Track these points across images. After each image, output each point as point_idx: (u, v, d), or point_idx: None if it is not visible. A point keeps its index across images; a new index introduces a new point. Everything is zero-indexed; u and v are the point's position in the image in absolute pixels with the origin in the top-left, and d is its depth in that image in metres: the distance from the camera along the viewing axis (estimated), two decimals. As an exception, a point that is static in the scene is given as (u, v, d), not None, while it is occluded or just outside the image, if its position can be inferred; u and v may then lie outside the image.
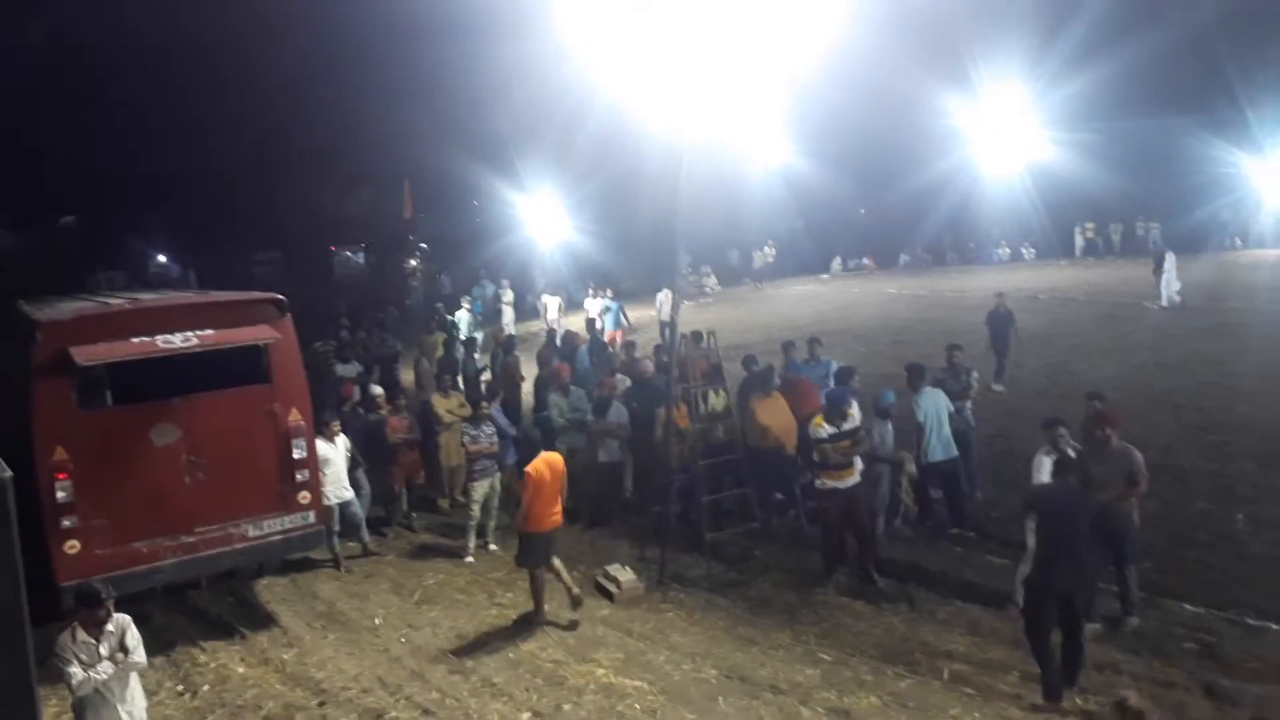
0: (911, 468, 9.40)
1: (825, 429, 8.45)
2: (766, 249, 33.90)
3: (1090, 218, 33.35)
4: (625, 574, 8.85)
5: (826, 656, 7.21)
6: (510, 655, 7.46)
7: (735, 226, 32.56)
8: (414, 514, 11.14)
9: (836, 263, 34.99)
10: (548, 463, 8.12)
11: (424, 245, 36.89)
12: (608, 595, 8.69)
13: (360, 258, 40.31)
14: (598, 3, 9.00)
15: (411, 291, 31.69)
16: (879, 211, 34.07)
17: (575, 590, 8.14)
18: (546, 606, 8.18)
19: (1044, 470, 7.13)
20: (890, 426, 9.31)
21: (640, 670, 7.06)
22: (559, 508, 8.19)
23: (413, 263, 35.68)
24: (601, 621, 8.13)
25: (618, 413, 10.77)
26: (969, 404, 10.27)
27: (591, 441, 10.77)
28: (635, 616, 8.22)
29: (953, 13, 24.02)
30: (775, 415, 9.99)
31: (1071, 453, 7.03)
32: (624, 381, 11.77)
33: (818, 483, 8.60)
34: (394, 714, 6.55)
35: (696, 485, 9.58)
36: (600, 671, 7.05)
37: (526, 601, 8.43)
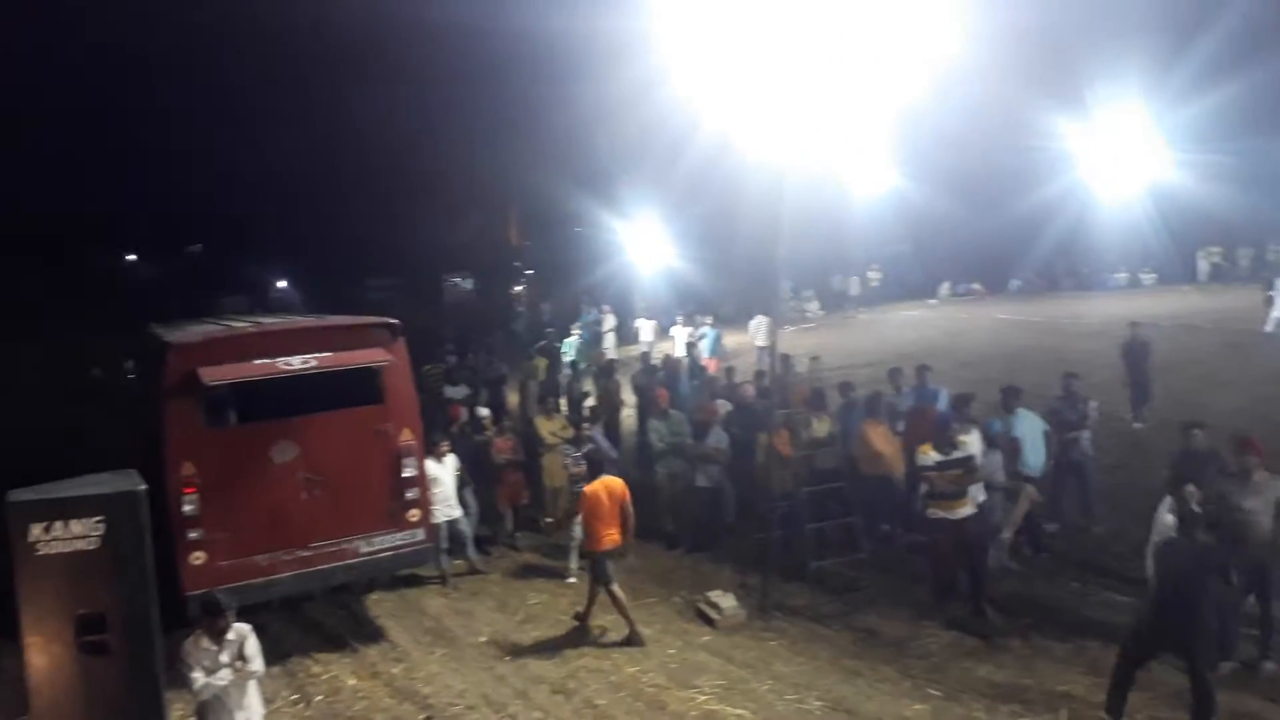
0: (1033, 497, 9.07)
1: (932, 456, 8.23)
2: (871, 273, 33.32)
3: (1217, 241, 31.65)
4: (727, 600, 8.76)
5: (935, 692, 6.97)
6: (612, 678, 7.46)
7: (838, 251, 32.15)
8: (518, 534, 11.30)
9: (945, 287, 34.12)
10: (606, 486, 8.33)
11: (529, 271, 37.63)
12: (709, 621, 8.62)
13: (468, 284, 41.34)
14: (700, 29, 9.06)
15: (517, 317, 32.33)
16: (989, 235, 33.14)
17: (632, 632, 8.16)
18: (646, 631, 8.17)
19: (1166, 528, 6.61)
20: (1000, 456, 9.01)
21: (742, 698, 6.96)
22: (615, 530, 8.29)
23: (518, 288, 36.43)
24: (703, 648, 8.06)
25: (718, 438, 10.74)
26: (1087, 434, 9.86)
27: (692, 466, 10.75)
28: (737, 644, 8.13)
29: (1068, 30, 23.33)
30: (887, 442, 9.82)
31: (1196, 508, 6.58)
32: (725, 406, 11.72)
33: (928, 513, 8.38)
34: (497, 731, 6.63)
35: (800, 512, 9.45)
36: (702, 698, 6.98)
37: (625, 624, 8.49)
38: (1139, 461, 11.20)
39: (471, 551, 10.35)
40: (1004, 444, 9.12)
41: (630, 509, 8.37)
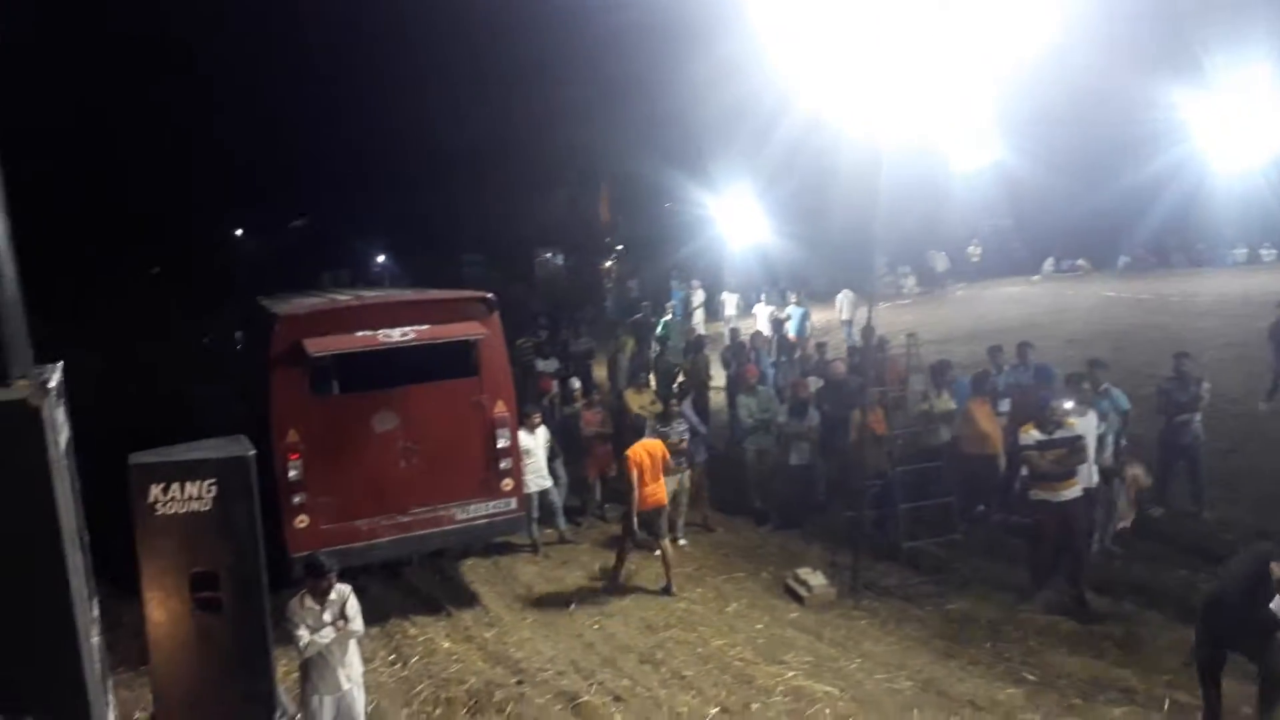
0: (1142, 482, 8.76)
1: (1034, 436, 7.99)
2: (971, 249, 32.35)
3: (1353, 213, 29.70)
4: (816, 578, 8.71)
5: (1031, 677, 6.82)
6: (699, 650, 7.50)
7: (936, 226, 31.28)
8: (607, 505, 11.42)
9: (1048, 263, 32.88)
10: (646, 448, 8.88)
11: (620, 247, 37.72)
12: (798, 599, 8.58)
13: (560, 259, 41.66)
14: (795, 2, 8.89)
15: (607, 292, 32.47)
16: (1096, 210, 31.74)
17: (668, 581, 8.84)
18: (734, 606, 8.23)
19: None
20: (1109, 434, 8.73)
21: (831, 676, 6.93)
22: (657, 489, 8.84)
23: (608, 264, 36.56)
24: (791, 624, 8.04)
25: (809, 415, 10.63)
26: (1198, 416, 9.43)
27: (782, 443, 10.68)
28: (826, 622, 8.07)
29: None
30: (992, 421, 9.61)
31: None
32: (816, 383, 11.60)
33: (1030, 494, 8.15)
34: (587, 698, 6.73)
35: (894, 491, 9.31)
36: (789, 674, 6.97)
37: (714, 599, 8.51)
38: (1257, 445, 10.66)
39: (561, 521, 10.52)
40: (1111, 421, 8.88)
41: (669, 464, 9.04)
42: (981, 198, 30.75)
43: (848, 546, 9.05)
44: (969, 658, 7.23)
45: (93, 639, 3.52)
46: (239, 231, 40.93)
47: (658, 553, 8.98)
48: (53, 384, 3.50)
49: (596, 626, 8.13)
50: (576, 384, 12.41)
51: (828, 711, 6.41)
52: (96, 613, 3.61)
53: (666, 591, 8.76)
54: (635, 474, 8.70)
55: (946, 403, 10.19)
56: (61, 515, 3.47)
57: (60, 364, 3.57)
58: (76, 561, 3.51)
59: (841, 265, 25.68)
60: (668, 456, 9.03)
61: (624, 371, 15.91)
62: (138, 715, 6.23)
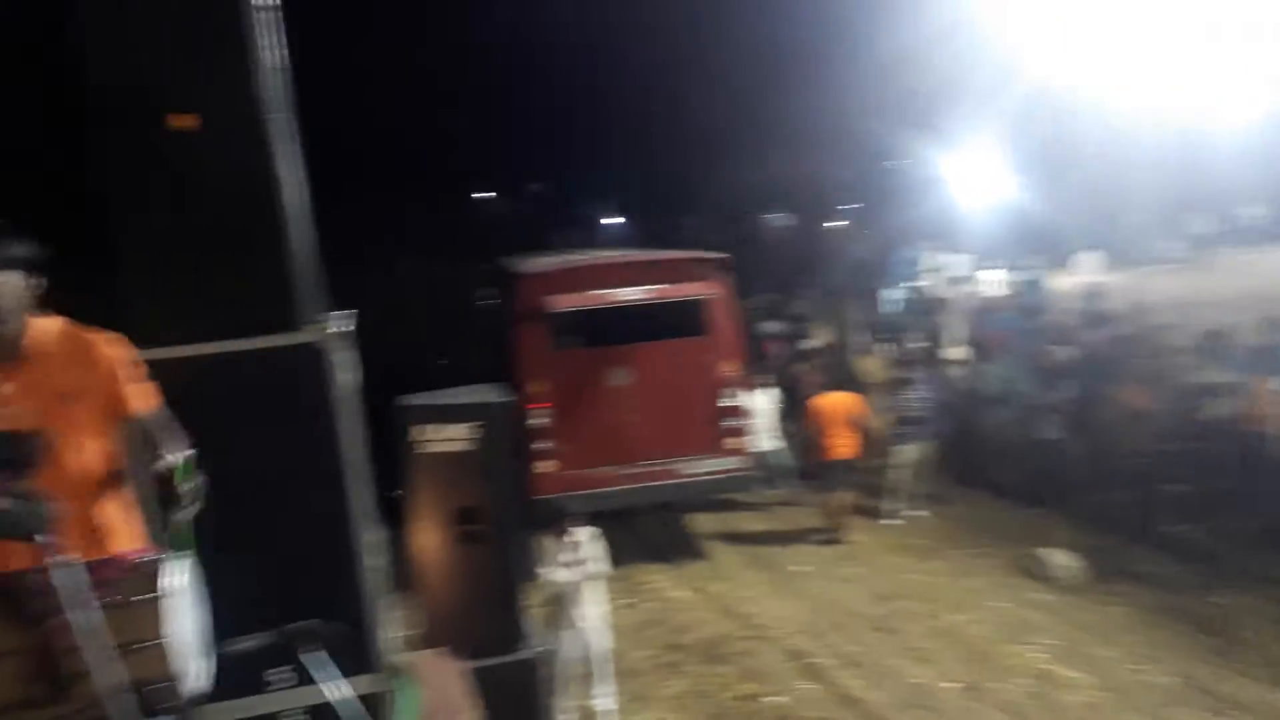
0: None
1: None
2: (1245, 210, 29.01)
3: None
4: (1063, 558, 8.18)
5: (1315, 684, 6.11)
6: (935, 623, 7.27)
7: (1204, 185, 28.22)
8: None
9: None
10: (834, 400, 9.24)
11: (850, 207, 36.79)
12: (1042, 579, 8.11)
13: (787, 221, 41.18)
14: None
15: (835, 254, 31.78)
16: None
17: (835, 529, 9.14)
18: (975, 583, 7.88)
19: None
20: None
21: (1081, 662, 6.51)
22: (841, 441, 9.05)
23: (837, 225, 35.79)
24: (1035, 605, 7.60)
25: (1059, 386, 9.96)
26: None
27: (1026, 415, 10.07)
28: (1074, 605, 7.58)
29: None
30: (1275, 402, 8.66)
31: None
32: (1066, 352, 10.82)
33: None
34: (818, 660, 6.71)
35: (1156, 471, 8.58)
36: (1032, 655, 6.63)
37: (950, 572, 8.22)
38: None
39: (789, 483, 10.47)
40: None
41: (870, 424, 9.27)
42: (1258, 155, 27.35)
43: (1102, 528, 8.44)
44: (1236, 655, 6.58)
45: (373, 562, 3.85)
46: (483, 195, 43.28)
47: (886, 521, 8.81)
48: (341, 330, 3.81)
49: (825, 590, 8.07)
50: (806, 345, 12.29)
51: (1075, 699, 6.04)
52: (375, 538, 3.95)
53: (835, 541, 9.02)
54: (817, 423, 9.03)
55: (1219, 376, 9.22)
56: (345, 449, 3.79)
57: (353, 312, 3.89)
58: (359, 491, 3.83)
59: (1089, 226, 23.79)
60: (862, 412, 9.20)
61: (851, 335, 15.56)
62: (408, 634, 6.83)
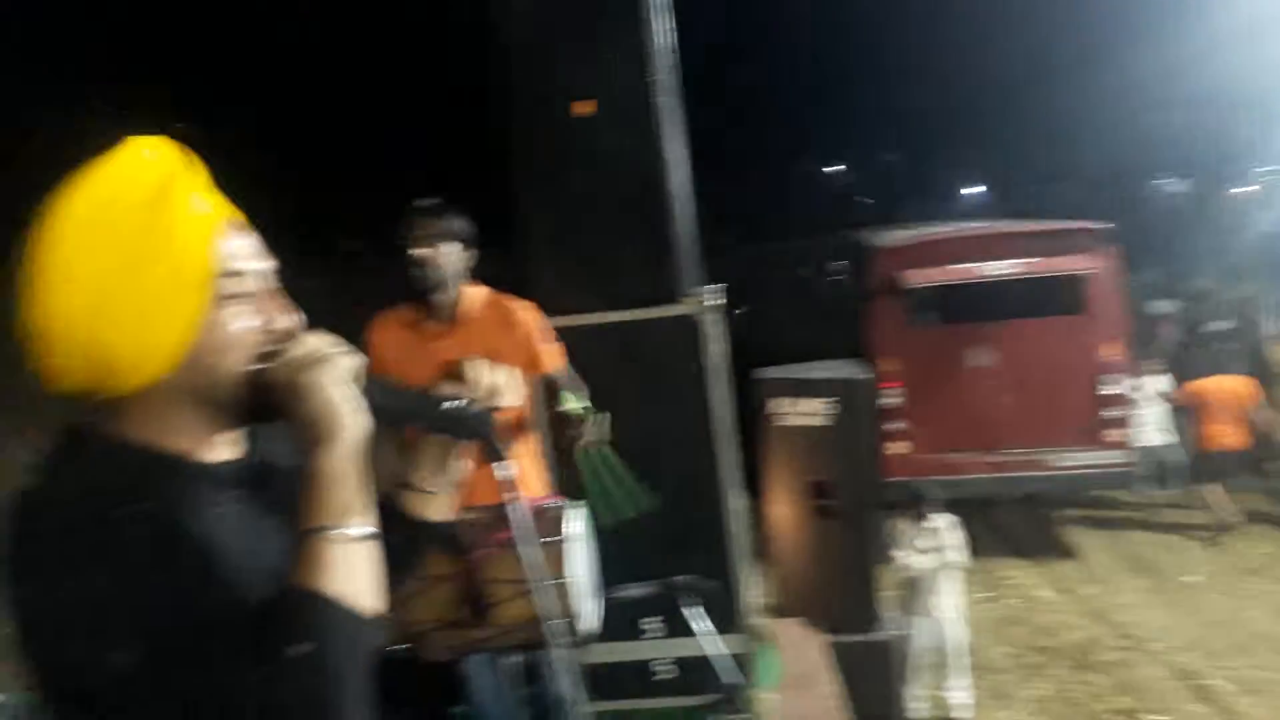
0: None
1: None
2: None
3: None
4: None
5: None
6: (1370, 658, 6.15)
7: None
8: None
9: None
10: (1218, 383, 8.47)
11: (1263, 170, 31.73)
12: None
13: (1183, 186, 36.45)
14: None
15: (1242, 224, 27.63)
16: None
17: (1212, 534, 8.25)
18: None
19: None
20: None
21: None
22: (1224, 430, 8.27)
23: (1243, 190, 30.98)
24: None
25: None
26: None
27: None
28: None
29: None
30: None
31: None
32: None
33: None
34: (1210, 681, 5.94)
35: None
36: None
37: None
38: None
39: (1180, 483, 9.26)
40: None
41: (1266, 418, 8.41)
42: None
43: None
44: None
45: (739, 527, 3.99)
46: (831, 168, 42.79)
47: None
48: (714, 302, 3.96)
49: (1219, 604, 7.11)
50: (1205, 328, 10.84)
51: None
52: (741, 504, 4.09)
53: (1212, 541, 8.20)
54: (1197, 409, 8.40)
55: None
56: (715, 416, 3.94)
57: (723, 286, 4.03)
58: (728, 457, 3.98)
59: None
60: (1256, 401, 8.40)
61: (1262, 317, 13.45)
62: (765, 601, 7.03)
